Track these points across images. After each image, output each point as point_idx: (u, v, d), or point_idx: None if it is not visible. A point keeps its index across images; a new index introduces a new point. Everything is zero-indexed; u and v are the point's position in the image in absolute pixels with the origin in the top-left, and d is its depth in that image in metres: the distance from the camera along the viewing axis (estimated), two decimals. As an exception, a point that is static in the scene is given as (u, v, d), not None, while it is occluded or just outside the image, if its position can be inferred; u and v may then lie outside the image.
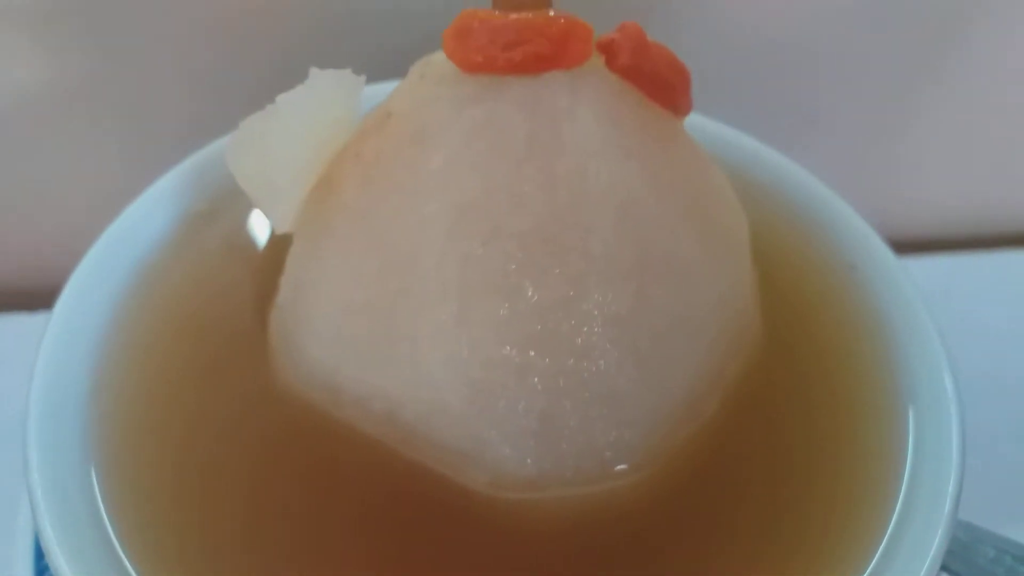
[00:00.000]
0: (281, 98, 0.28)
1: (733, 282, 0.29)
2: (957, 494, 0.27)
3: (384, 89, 0.33)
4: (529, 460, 0.26)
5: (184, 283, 0.33)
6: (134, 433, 0.28)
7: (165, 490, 0.28)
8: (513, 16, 0.25)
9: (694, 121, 0.30)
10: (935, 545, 0.26)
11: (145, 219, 0.34)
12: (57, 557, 0.24)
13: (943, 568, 0.27)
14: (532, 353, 0.25)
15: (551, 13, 0.26)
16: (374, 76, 0.40)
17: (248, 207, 0.35)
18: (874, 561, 0.26)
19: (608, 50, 0.26)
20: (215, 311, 0.32)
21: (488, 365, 0.25)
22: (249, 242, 0.35)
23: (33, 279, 0.53)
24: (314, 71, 0.27)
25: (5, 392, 0.31)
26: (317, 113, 0.27)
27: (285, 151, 0.27)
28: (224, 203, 0.35)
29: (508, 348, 0.25)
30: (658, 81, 0.27)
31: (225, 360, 0.31)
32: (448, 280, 0.25)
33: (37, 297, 0.52)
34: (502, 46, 0.25)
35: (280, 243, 0.31)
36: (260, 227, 0.35)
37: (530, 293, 0.25)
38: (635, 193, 0.26)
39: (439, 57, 0.27)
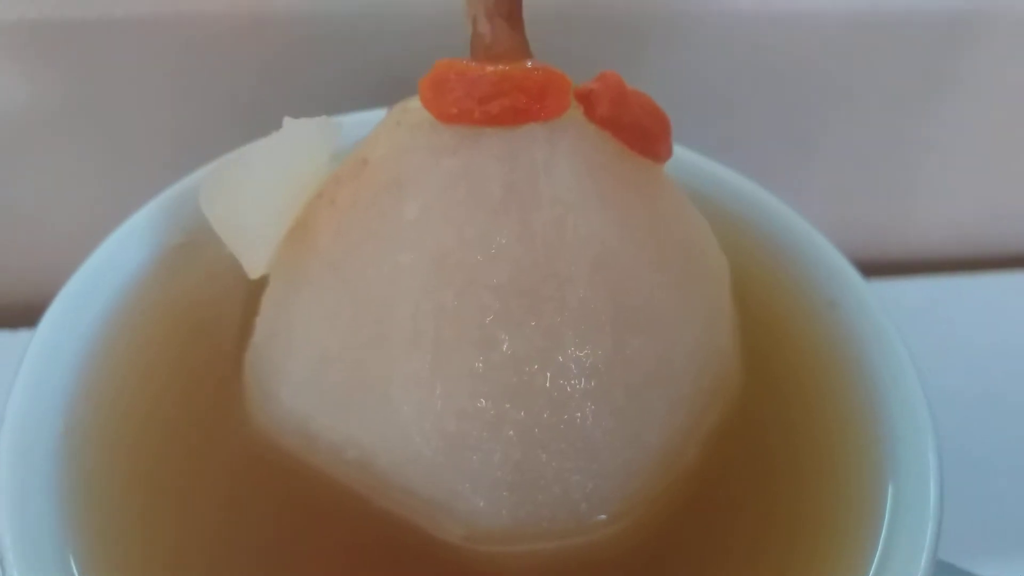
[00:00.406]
0: (255, 145, 0.27)
1: (712, 329, 0.29)
2: (934, 547, 0.27)
3: (371, 117, 0.34)
4: (504, 512, 0.26)
5: (162, 318, 0.33)
6: (106, 479, 0.28)
7: (135, 534, 0.27)
8: (490, 68, 0.25)
9: (676, 153, 0.30)
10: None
11: (121, 254, 0.33)
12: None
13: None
14: (507, 405, 0.25)
15: (529, 64, 0.25)
16: (360, 98, 0.41)
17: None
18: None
19: (587, 100, 0.26)
20: (192, 347, 0.32)
21: (462, 417, 0.25)
22: (227, 276, 0.34)
23: (14, 297, 0.53)
24: (288, 120, 0.27)
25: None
26: (292, 161, 0.27)
27: (259, 198, 0.27)
28: (202, 236, 0.34)
29: (483, 400, 0.25)
30: (637, 131, 0.27)
31: (200, 399, 0.31)
32: (423, 331, 0.25)
33: (17, 315, 0.52)
34: (478, 99, 0.25)
35: (258, 278, 0.31)
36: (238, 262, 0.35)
37: (505, 345, 0.25)
38: (612, 246, 0.26)
39: (416, 103, 0.27)
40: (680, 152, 0.36)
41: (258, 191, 0.27)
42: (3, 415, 0.28)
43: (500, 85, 0.25)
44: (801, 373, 0.32)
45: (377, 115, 0.36)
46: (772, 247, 0.36)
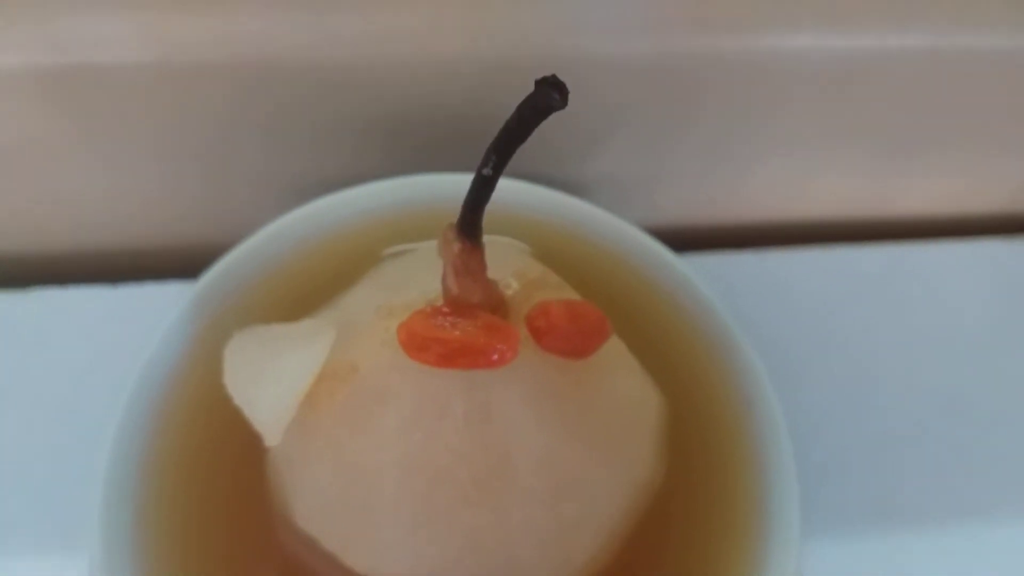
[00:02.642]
0: (274, 334, 0.34)
1: (635, 473, 0.36)
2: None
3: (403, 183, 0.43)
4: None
5: (207, 419, 0.40)
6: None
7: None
8: (456, 333, 0.31)
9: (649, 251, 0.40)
10: None
11: (165, 352, 0.40)
12: None
13: None
14: (464, 558, 0.34)
15: (480, 322, 0.31)
16: (391, 167, 0.45)
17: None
18: None
19: (535, 332, 0.32)
20: (227, 443, 0.39)
21: (432, 567, 0.34)
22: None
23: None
24: (307, 320, 0.34)
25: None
26: (304, 355, 0.34)
27: (276, 387, 0.34)
28: (229, 320, 0.41)
29: (446, 556, 0.34)
30: (577, 349, 0.33)
31: (236, 494, 0.39)
32: (401, 508, 0.33)
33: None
34: (444, 355, 0.31)
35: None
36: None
37: (464, 519, 0.33)
38: (550, 448, 0.33)
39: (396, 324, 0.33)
40: (655, 247, 0.43)
41: (275, 380, 0.34)
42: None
43: (463, 348, 0.31)
44: (709, 469, 0.40)
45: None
46: (703, 339, 0.43)
